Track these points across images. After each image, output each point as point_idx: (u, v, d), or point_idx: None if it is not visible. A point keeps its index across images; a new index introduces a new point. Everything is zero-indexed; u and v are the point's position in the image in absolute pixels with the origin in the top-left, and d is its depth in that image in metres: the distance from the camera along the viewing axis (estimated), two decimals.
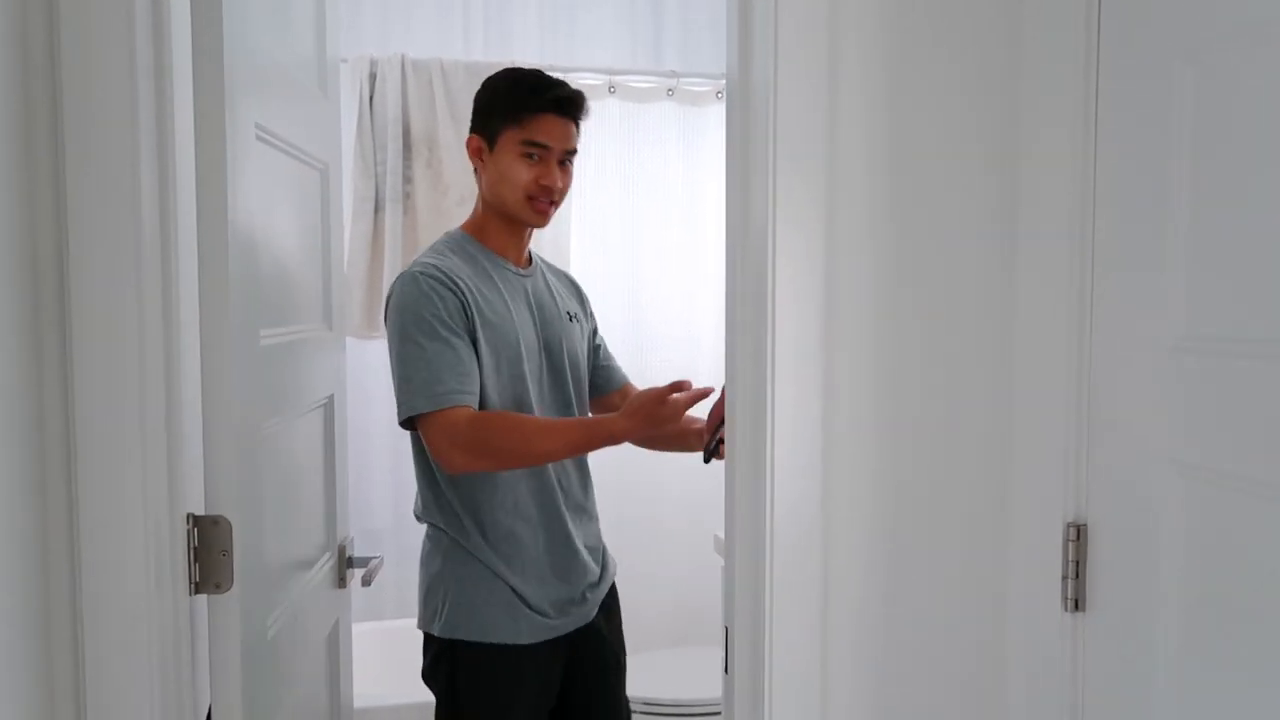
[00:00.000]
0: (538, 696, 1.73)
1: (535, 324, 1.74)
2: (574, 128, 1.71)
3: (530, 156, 1.66)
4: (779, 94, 1.26)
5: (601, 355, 1.94)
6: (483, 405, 1.63)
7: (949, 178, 1.33)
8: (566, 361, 1.77)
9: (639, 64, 3.28)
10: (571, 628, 1.75)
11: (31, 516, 1.05)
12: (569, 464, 1.78)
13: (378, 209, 2.99)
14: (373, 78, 2.97)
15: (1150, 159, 1.12)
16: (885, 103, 1.30)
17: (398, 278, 1.67)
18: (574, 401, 1.81)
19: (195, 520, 1.21)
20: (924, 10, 1.31)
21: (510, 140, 1.67)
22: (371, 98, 2.97)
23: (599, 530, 1.87)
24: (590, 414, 1.89)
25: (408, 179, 3.01)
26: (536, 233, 1.82)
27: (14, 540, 1.02)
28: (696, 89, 3.20)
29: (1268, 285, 0.95)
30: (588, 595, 1.78)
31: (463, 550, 1.69)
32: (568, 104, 1.68)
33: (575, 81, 3.11)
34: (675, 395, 1.61)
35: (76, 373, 1.08)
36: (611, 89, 3.11)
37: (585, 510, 1.82)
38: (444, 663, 1.69)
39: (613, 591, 1.90)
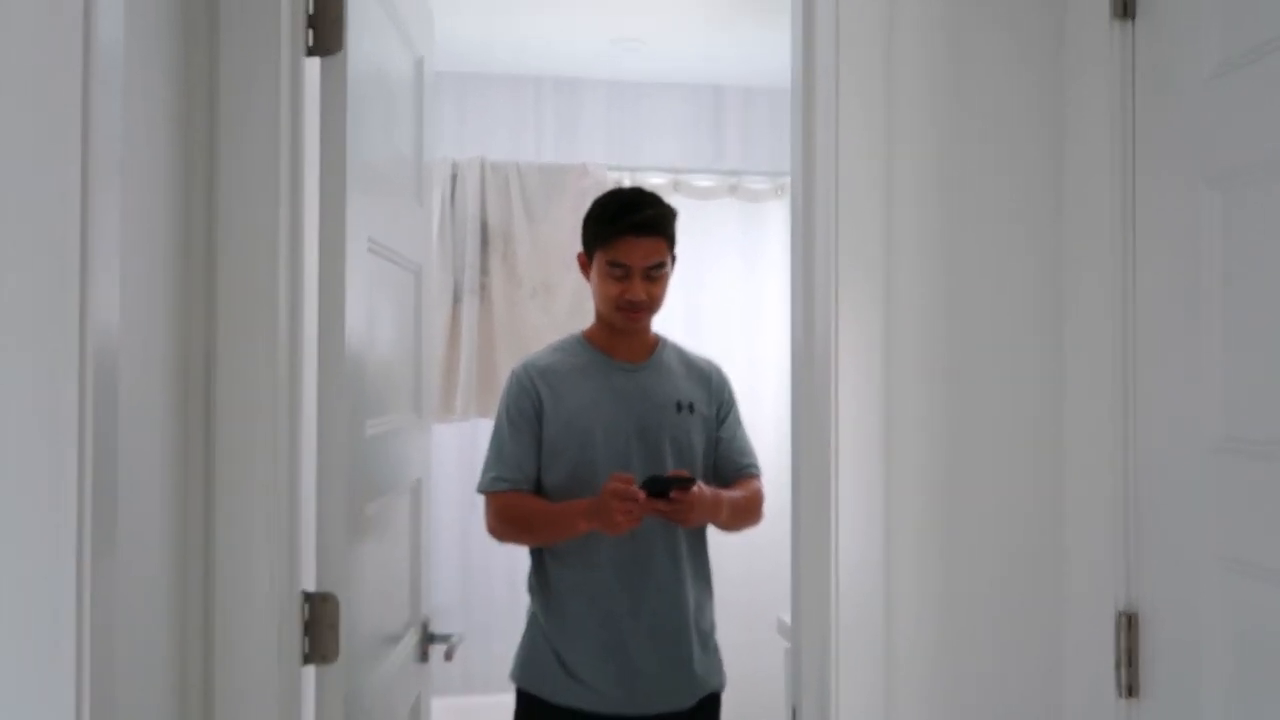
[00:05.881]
0: None
1: (629, 413, 1.88)
2: (660, 242, 1.84)
3: (615, 275, 1.84)
4: (840, 198, 1.38)
5: (722, 446, 1.98)
6: (545, 479, 1.89)
7: (1000, 283, 1.44)
8: (667, 446, 1.89)
9: (701, 162, 3.46)
10: (615, 710, 1.82)
11: (174, 595, 1.19)
12: (663, 569, 1.85)
13: (456, 300, 3.18)
14: (454, 178, 3.19)
15: (1183, 275, 1.21)
16: (938, 207, 1.42)
17: None
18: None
19: (307, 597, 1.34)
20: (973, 104, 1.44)
21: (600, 260, 1.86)
22: (453, 196, 3.19)
23: (693, 642, 1.88)
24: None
25: (484, 271, 3.21)
26: None
27: (159, 619, 1.15)
28: (756, 186, 3.37)
29: None
30: (637, 687, 1.83)
31: (535, 614, 1.93)
32: (645, 227, 1.82)
33: (642, 180, 3.33)
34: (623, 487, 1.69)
35: (217, 462, 1.23)
36: (676, 186, 3.29)
37: (671, 612, 1.85)
38: (516, 706, 1.93)
39: (706, 712, 1.93)
